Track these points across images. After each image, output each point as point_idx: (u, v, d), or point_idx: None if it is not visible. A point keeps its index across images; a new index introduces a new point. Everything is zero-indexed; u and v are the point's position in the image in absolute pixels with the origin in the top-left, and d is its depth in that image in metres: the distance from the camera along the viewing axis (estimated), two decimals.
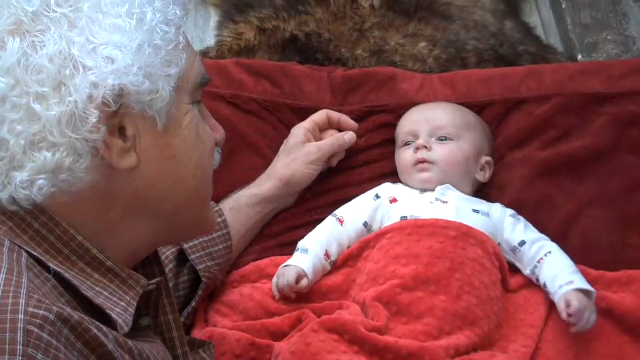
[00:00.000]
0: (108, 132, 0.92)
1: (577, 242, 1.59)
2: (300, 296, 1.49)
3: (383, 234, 1.51)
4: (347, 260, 1.54)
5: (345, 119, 1.69)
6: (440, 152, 1.59)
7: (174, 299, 1.10)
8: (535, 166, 1.67)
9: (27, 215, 0.92)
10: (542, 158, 1.68)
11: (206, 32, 2.07)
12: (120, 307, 0.93)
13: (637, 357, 1.45)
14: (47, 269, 0.90)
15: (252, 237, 1.61)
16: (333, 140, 1.64)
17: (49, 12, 0.91)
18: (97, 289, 0.93)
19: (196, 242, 1.49)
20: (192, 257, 1.47)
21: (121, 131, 0.95)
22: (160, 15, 0.97)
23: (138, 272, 1.02)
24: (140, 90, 0.93)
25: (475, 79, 1.78)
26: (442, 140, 1.61)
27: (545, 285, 1.48)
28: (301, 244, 1.54)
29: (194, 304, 1.47)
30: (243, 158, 1.69)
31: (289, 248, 1.58)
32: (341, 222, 1.57)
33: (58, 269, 0.90)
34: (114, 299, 0.94)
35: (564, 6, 2.01)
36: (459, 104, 1.71)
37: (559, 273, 1.46)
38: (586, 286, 1.44)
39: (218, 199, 1.59)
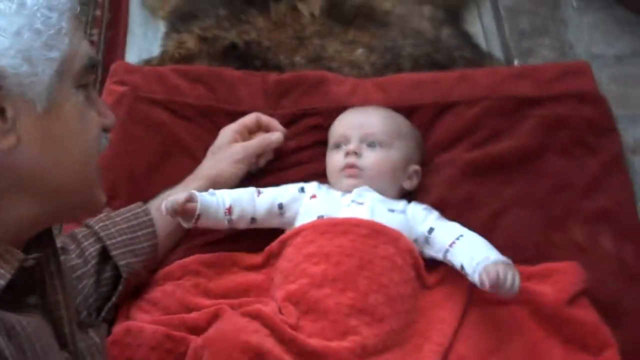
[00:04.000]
0: None
1: (501, 241, 1.57)
2: (219, 293, 1.52)
3: (299, 231, 1.53)
4: (269, 258, 1.56)
5: (275, 123, 1.72)
6: (369, 158, 1.61)
7: (65, 280, 1.12)
8: (461, 166, 1.69)
9: None
10: (468, 158, 1.70)
11: (154, 44, 2.10)
12: None
13: (551, 352, 1.45)
14: None
15: (179, 237, 1.63)
16: (259, 140, 1.67)
17: None
18: None
19: (119, 239, 1.51)
20: (114, 253, 1.49)
21: (1, 112, 0.98)
22: (43, 0, 1.00)
23: (30, 253, 1.04)
24: (18, 73, 0.97)
25: (407, 83, 1.81)
26: (372, 146, 1.63)
27: (462, 267, 1.46)
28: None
29: (114, 299, 1.49)
30: (177, 161, 1.72)
31: (214, 247, 1.60)
32: (259, 193, 1.60)
33: None
34: None
35: (502, 13, 2.04)
36: (390, 107, 1.73)
37: (474, 253, 1.45)
38: (503, 258, 1.43)
39: (149, 199, 1.61)
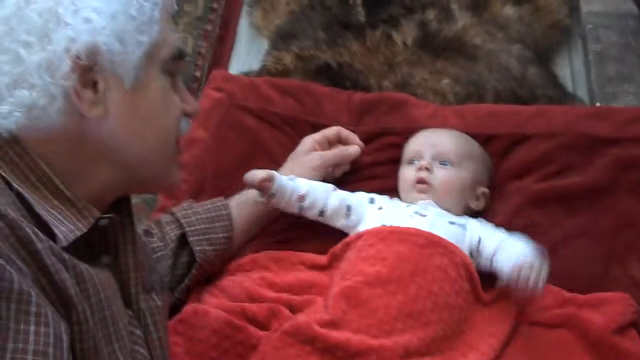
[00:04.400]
0: (80, 83, 1.09)
1: (558, 269, 1.62)
2: (283, 287, 1.62)
3: (361, 236, 1.62)
4: (332, 260, 1.65)
5: (354, 137, 1.83)
6: (440, 175, 1.70)
7: (136, 246, 1.24)
8: (528, 195, 1.74)
9: (5, 144, 1.09)
10: (536, 189, 1.76)
11: (256, 60, 2.25)
12: (67, 227, 1.08)
13: None
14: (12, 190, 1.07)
15: (254, 233, 1.74)
16: (337, 151, 1.78)
17: None
18: (52, 211, 1.08)
19: (198, 227, 1.64)
20: (192, 239, 1.62)
21: (94, 85, 1.11)
22: None
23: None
24: (111, 50, 1.10)
25: (485, 112, 1.89)
26: (443, 164, 1.71)
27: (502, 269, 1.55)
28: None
29: (187, 281, 1.62)
30: (260, 164, 1.82)
31: (285, 246, 1.72)
32: (334, 190, 1.71)
33: (20, 189, 1.07)
34: (65, 221, 1.08)
35: (590, 58, 2.09)
36: (466, 133, 1.82)
37: (512, 253, 1.54)
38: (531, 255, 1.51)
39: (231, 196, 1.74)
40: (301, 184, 1.68)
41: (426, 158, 1.72)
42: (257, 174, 1.63)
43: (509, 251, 1.55)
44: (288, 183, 1.66)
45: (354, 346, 1.44)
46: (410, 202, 1.70)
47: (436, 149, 1.73)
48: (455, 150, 1.73)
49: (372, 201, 1.72)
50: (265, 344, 1.49)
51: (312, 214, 1.69)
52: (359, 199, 1.71)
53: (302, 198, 1.67)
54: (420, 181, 1.70)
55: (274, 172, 1.65)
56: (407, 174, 1.74)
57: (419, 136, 1.80)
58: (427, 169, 1.70)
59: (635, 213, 1.73)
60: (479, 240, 1.61)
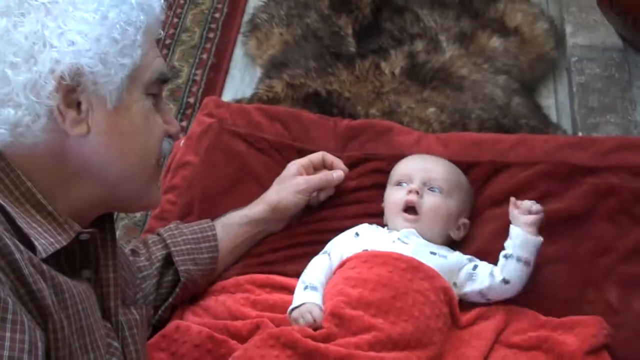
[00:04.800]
0: (64, 103, 1.15)
1: (536, 293, 1.68)
2: (266, 306, 1.65)
3: (344, 262, 1.66)
4: None
5: (338, 162, 1.87)
6: (428, 202, 1.72)
7: (117, 261, 1.29)
8: (506, 222, 1.77)
9: None
10: None
11: (249, 87, 2.32)
12: (47, 240, 1.13)
13: None
14: None
15: (239, 254, 1.78)
16: (321, 175, 1.83)
17: (32, 0, 1.15)
18: (34, 224, 1.13)
19: (183, 247, 1.68)
20: (177, 259, 1.66)
21: (77, 105, 1.17)
22: (124, 16, 1.19)
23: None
24: (94, 72, 1.16)
25: (468, 141, 1.93)
26: (432, 190, 1.73)
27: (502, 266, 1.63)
28: (307, 280, 1.65)
29: (171, 299, 1.66)
30: (247, 187, 1.89)
31: (268, 267, 1.75)
32: (329, 258, 1.71)
33: (3, 203, 1.11)
34: (45, 234, 1.13)
35: (574, 89, 2.14)
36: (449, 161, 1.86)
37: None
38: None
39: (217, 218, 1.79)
40: (318, 283, 1.64)
41: (416, 182, 1.74)
42: (314, 316, 1.55)
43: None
44: (320, 295, 1.61)
45: (333, 353, 1.46)
46: (394, 228, 1.73)
47: (427, 174, 1.75)
48: (446, 178, 1.76)
49: (357, 235, 1.73)
50: (249, 343, 1.51)
51: None
52: (349, 242, 1.71)
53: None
54: (410, 205, 1.71)
55: (317, 304, 1.59)
56: (395, 196, 1.75)
57: (409, 159, 1.83)
58: (417, 192, 1.72)
59: (612, 239, 1.77)
60: (475, 267, 1.65)
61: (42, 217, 1.16)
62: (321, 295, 1.61)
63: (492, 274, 1.63)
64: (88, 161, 1.19)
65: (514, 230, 1.65)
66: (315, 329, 1.52)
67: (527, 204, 1.67)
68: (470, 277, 1.65)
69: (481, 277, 1.64)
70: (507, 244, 1.65)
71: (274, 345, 1.48)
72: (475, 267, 1.66)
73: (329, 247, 1.74)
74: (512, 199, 1.69)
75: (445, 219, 1.73)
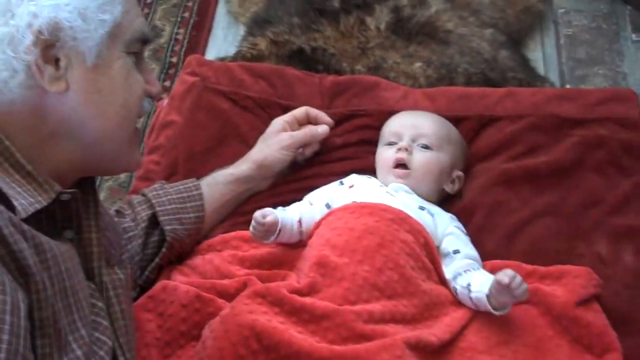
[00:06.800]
0: (42, 58, 1.12)
1: (524, 245, 1.67)
2: (254, 262, 1.64)
3: (331, 213, 1.64)
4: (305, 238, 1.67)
5: (322, 115, 1.85)
6: (419, 158, 1.70)
7: (100, 222, 1.27)
8: (495, 175, 1.77)
9: None
10: (503, 168, 1.78)
11: (233, 45, 2.28)
12: (27, 200, 1.10)
13: (557, 350, 1.50)
14: None
15: (225, 213, 1.76)
16: (305, 130, 1.81)
17: None
18: (13, 184, 1.11)
19: (169, 207, 1.66)
20: (162, 218, 1.64)
21: (56, 62, 1.14)
22: None
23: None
24: (73, 27, 1.13)
25: (455, 95, 1.91)
26: (423, 147, 1.72)
27: (469, 285, 1.53)
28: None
29: (157, 259, 1.64)
30: (232, 146, 1.87)
31: None
32: (311, 204, 1.71)
33: None
34: (25, 194, 1.11)
35: (562, 42, 2.12)
36: None
37: (485, 279, 1.52)
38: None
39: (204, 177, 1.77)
40: (292, 210, 1.67)
41: (406, 139, 1.73)
42: (267, 220, 1.60)
43: (482, 278, 1.53)
44: (285, 215, 1.64)
45: (319, 308, 1.45)
46: (384, 184, 1.72)
47: (416, 130, 1.74)
48: (436, 133, 1.74)
49: (341, 183, 1.73)
50: (236, 300, 1.49)
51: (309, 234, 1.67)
52: (331, 189, 1.72)
53: (300, 224, 1.65)
54: (399, 162, 1.70)
55: (276, 212, 1.63)
56: (385, 155, 1.74)
57: (399, 117, 1.81)
58: (406, 150, 1.71)
59: (601, 191, 1.76)
60: (457, 252, 1.61)
61: (21, 177, 1.13)
62: (289, 215, 1.63)
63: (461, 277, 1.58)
64: (67, 119, 1.17)
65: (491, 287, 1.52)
66: (262, 225, 1.58)
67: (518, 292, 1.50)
68: (445, 257, 1.62)
69: (453, 267, 1.59)
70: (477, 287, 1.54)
71: (261, 303, 1.47)
72: (456, 251, 1.61)
73: (310, 196, 1.73)
74: (506, 280, 1.46)
75: (437, 174, 1.72)
